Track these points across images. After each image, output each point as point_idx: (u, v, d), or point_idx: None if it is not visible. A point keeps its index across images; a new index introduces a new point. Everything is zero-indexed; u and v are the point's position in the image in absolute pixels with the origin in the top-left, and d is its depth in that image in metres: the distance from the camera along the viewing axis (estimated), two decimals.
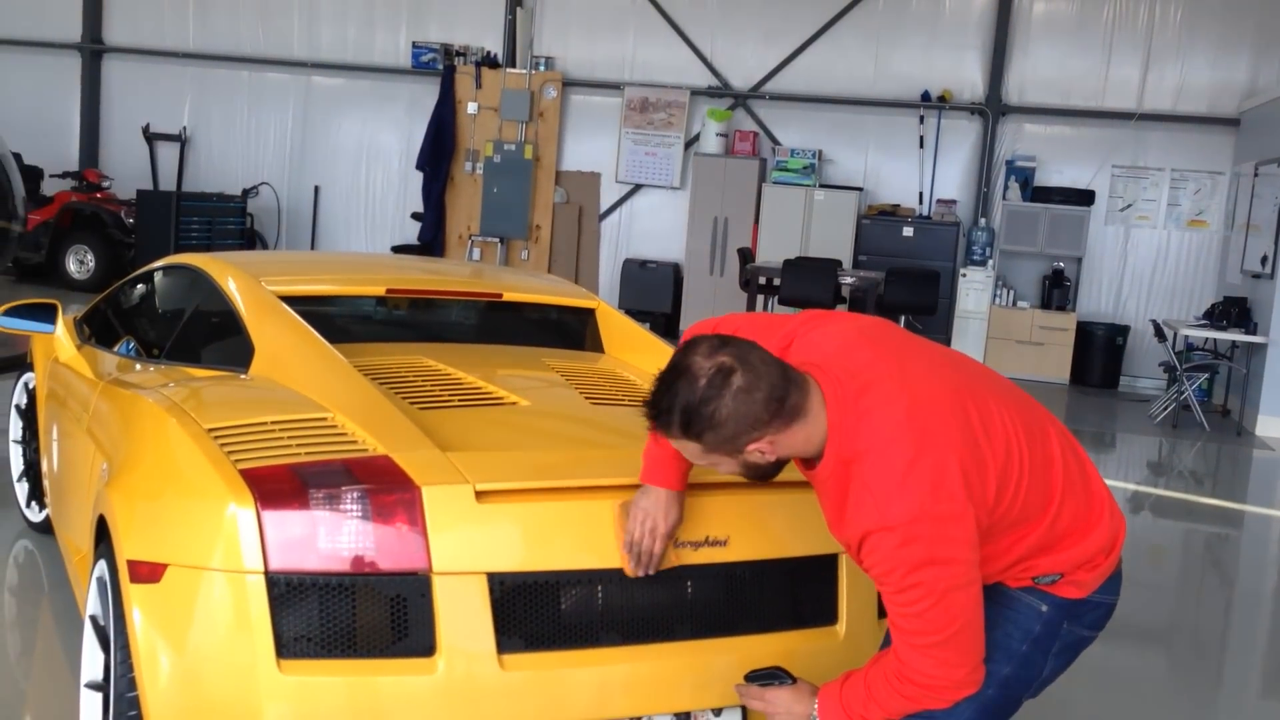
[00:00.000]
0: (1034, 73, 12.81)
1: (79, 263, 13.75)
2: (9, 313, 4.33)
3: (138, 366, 3.65)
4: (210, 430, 2.63)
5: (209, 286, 3.72)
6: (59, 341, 4.34)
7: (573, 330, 4.10)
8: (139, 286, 4.51)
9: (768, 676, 2.35)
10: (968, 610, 2.10)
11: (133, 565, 2.46)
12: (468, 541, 2.39)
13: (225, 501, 2.36)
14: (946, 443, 2.10)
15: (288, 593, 2.31)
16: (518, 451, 2.66)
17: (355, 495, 2.37)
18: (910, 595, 2.07)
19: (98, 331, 4.47)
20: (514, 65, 14.01)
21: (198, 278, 3.91)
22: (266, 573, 2.31)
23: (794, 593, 2.73)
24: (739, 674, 2.44)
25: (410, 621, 2.35)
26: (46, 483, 4.51)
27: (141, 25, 15.24)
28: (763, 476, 2.24)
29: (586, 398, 3.17)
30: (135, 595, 2.42)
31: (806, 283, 10.76)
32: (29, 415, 4.98)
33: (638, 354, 3.84)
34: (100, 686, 2.86)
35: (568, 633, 2.47)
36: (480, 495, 2.42)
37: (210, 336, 3.63)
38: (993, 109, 12.82)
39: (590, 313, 4.07)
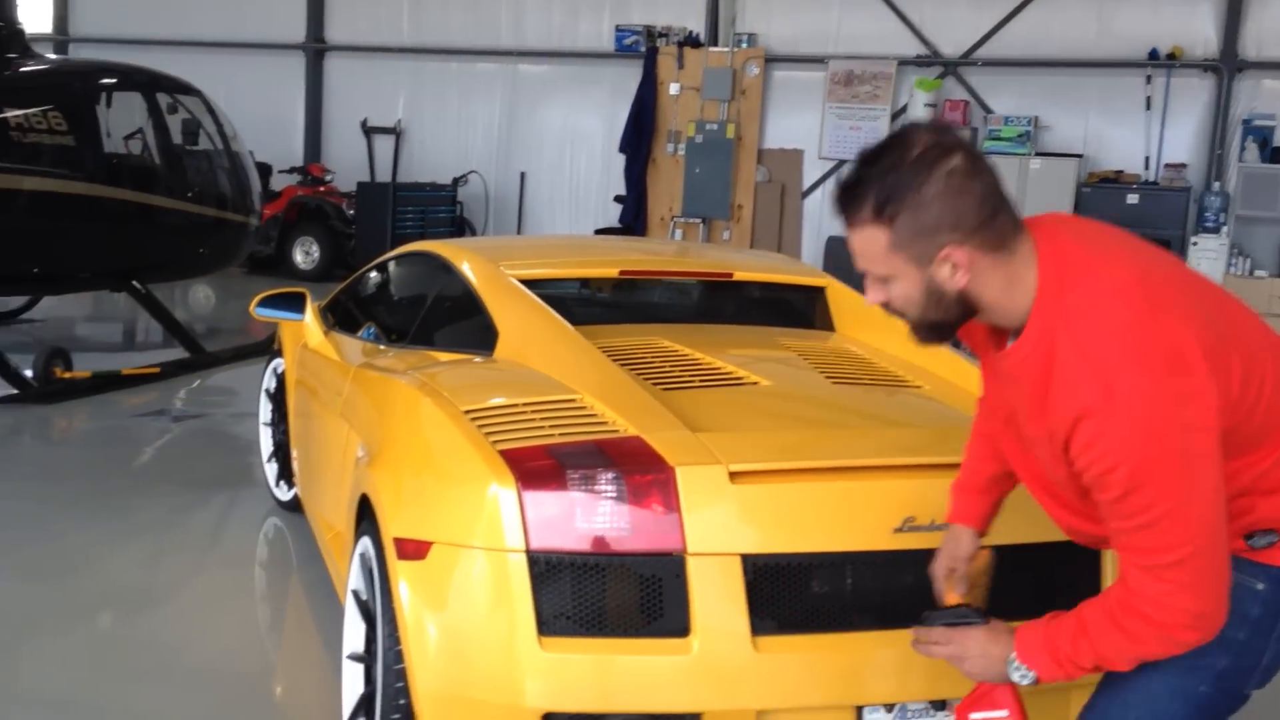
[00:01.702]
0: (1275, 24, 11.92)
1: (305, 253, 14.47)
2: (263, 303, 4.57)
3: (387, 351, 3.79)
4: (467, 412, 2.70)
5: (450, 273, 3.83)
6: (308, 328, 4.55)
7: (801, 309, 4.05)
8: (379, 274, 4.69)
9: (955, 616, 2.04)
10: (1209, 523, 1.71)
11: (399, 543, 2.55)
12: (722, 522, 2.39)
13: (487, 482, 2.41)
14: (1184, 313, 1.74)
15: (547, 571, 2.35)
16: (768, 432, 2.64)
17: (610, 476, 2.40)
18: (1139, 500, 1.69)
19: (341, 318, 4.68)
20: (716, 44, 13.96)
21: (437, 264, 4.03)
22: (528, 551, 2.35)
23: (1054, 578, 2.61)
24: None
25: (665, 602, 2.36)
26: (295, 463, 4.75)
27: (360, 23, 15.90)
28: (939, 325, 1.88)
29: (827, 377, 3.12)
30: (401, 571, 2.51)
31: None
32: (278, 399, 5.25)
33: (872, 332, 3.75)
34: (362, 658, 2.99)
35: (821, 616, 2.44)
36: (734, 476, 2.41)
37: (454, 321, 3.74)
38: (1228, 65, 11.99)
39: (820, 291, 4.01)
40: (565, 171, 15.16)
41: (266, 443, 5.38)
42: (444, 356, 3.44)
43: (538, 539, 2.36)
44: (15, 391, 7.16)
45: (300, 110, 16.25)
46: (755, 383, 3.01)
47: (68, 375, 7.41)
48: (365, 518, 2.95)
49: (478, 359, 3.29)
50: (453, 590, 2.44)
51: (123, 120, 8.65)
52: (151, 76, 9.24)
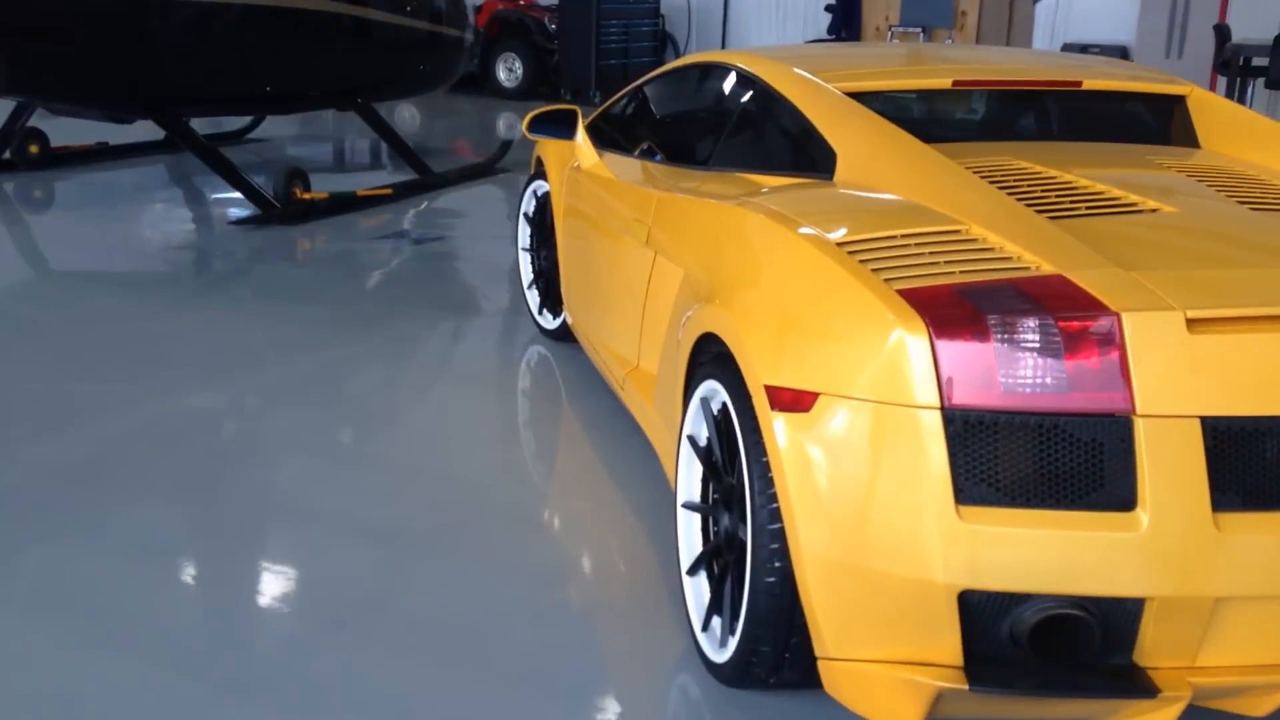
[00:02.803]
0: None
1: (508, 70, 14.17)
2: (534, 123, 4.28)
3: (693, 175, 3.45)
4: (841, 244, 2.37)
5: (754, 86, 3.45)
6: (579, 149, 4.25)
7: (1153, 121, 3.53)
8: (656, 90, 4.33)
9: None
10: None
11: (772, 391, 2.27)
12: (1179, 379, 2.01)
13: (889, 328, 2.09)
14: None
15: (965, 432, 2.03)
16: (1218, 270, 2.21)
17: (1039, 323, 2.04)
18: None
19: (609, 139, 4.36)
20: None
21: (733, 77, 3.65)
22: (943, 409, 2.04)
23: None
24: None
25: (1106, 470, 2.02)
26: (566, 292, 4.53)
27: None
28: None
29: (1240, 202, 2.65)
30: (778, 423, 2.24)
31: None
32: (538, 223, 5.02)
33: (1248, 147, 3.23)
34: (699, 508, 2.78)
35: None
36: (1192, 324, 2.02)
37: (772, 141, 3.37)
38: None
39: (1179, 100, 3.48)
40: None
41: (526, 269, 5.19)
42: (771, 180, 3.08)
43: (954, 395, 2.04)
44: (259, 212, 7.17)
45: None
46: (1155, 209, 2.57)
47: (307, 196, 7.37)
48: (706, 358, 2.69)
49: (822, 183, 2.92)
50: (846, 448, 2.14)
51: None
52: None
